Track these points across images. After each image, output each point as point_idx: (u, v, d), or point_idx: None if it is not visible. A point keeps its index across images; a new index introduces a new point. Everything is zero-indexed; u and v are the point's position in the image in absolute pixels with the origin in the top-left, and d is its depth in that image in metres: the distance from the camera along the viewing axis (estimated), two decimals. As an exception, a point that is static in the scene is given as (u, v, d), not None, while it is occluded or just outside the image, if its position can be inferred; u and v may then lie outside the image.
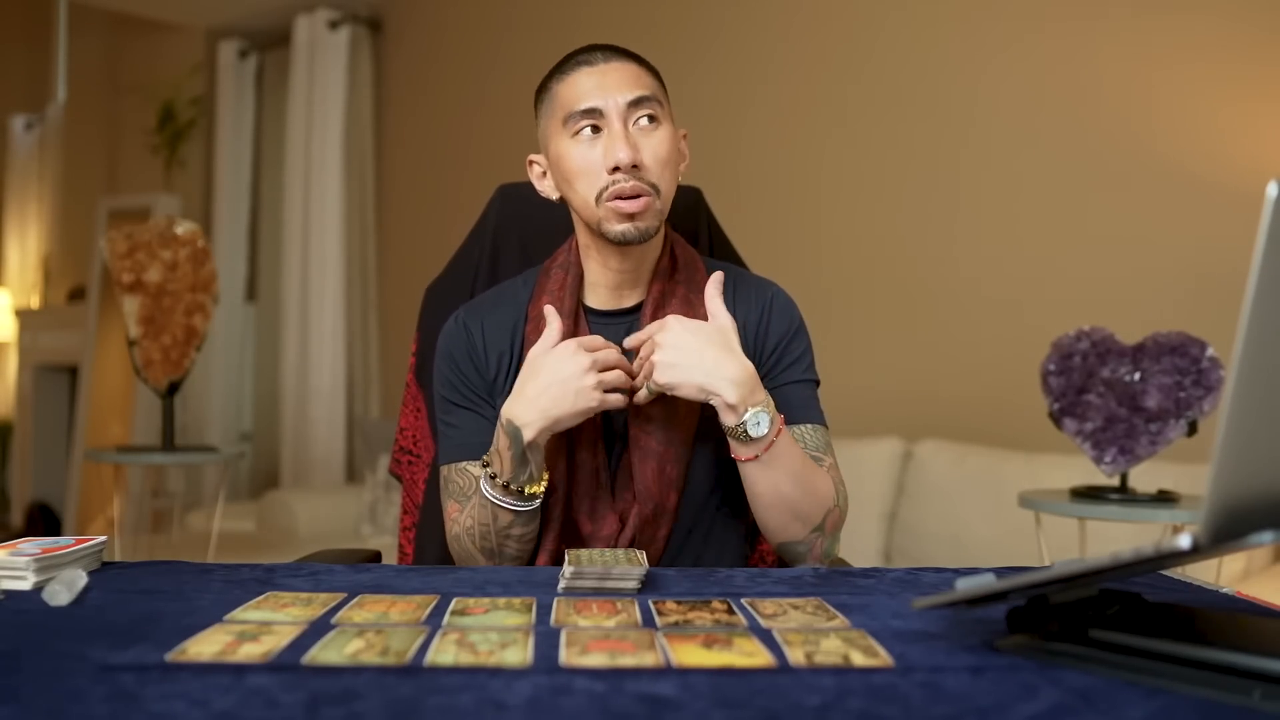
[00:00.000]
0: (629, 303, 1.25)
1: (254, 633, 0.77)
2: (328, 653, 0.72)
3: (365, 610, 0.84)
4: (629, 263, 1.21)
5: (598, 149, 1.15)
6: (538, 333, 1.22)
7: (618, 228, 1.16)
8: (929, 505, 2.78)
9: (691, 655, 0.72)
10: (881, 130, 3.19)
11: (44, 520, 5.63)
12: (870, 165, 3.22)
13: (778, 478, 1.14)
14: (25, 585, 0.92)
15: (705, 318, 1.18)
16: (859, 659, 0.71)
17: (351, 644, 0.73)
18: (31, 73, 6.48)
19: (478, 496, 1.17)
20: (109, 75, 5.97)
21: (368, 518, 3.85)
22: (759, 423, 1.10)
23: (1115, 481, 2.09)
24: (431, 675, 0.67)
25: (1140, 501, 1.99)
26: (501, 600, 0.88)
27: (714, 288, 1.16)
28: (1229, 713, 0.61)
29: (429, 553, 1.45)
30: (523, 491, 1.14)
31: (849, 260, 3.25)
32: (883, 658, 0.72)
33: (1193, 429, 1.97)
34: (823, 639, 0.76)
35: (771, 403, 1.13)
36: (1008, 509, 2.34)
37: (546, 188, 1.24)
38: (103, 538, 1.04)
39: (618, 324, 1.24)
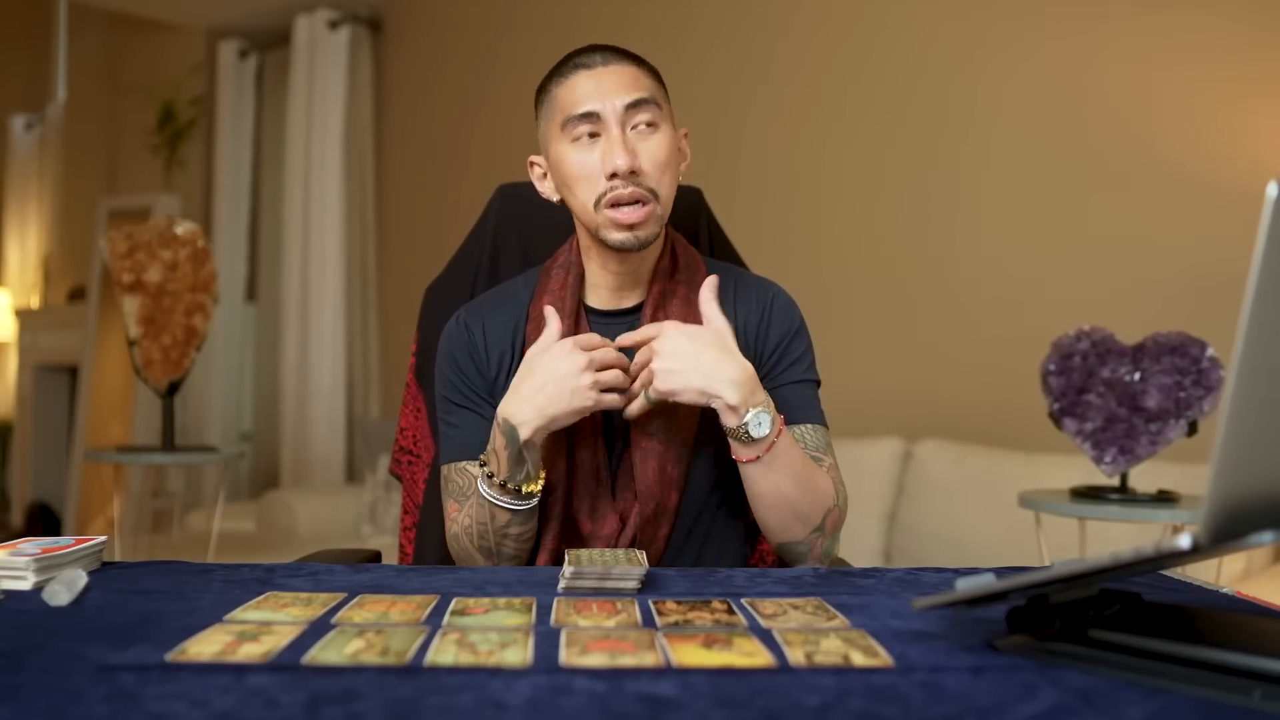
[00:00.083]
0: (629, 303, 1.25)
1: (254, 633, 0.77)
2: (328, 653, 0.72)
3: (365, 610, 0.84)
4: (629, 265, 1.22)
5: (595, 154, 1.15)
6: (538, 332, 1.22)
7: (616, 236, 1.16)
8: (929, 505, 2.78)
9: (691, 655, 0.72)
10: (881, 130, 3.19)
11: (44, 520, 5.63)
12: (870, 165, 3.22)
13: (779, 478, 1.13)
14: (25, 585, 0.92)
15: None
16: (859, 659, 0.71)
17: (351, 644, 0.73)
18: (31, 73, 6.48)
19: (475, 496, 1.17)
20: (109, 75, 5.97)
21: (368, 518, 3.85)
22: (760, 423, 1.10)
23: (1115, 481, 2.09)
24: (431, 675, 0.67)
25: (1140, 501, 1.99)
26: (501, 600, 0.88)
27: (708, 291, 1.16)
28: (1229, 713, 0.61)
29: (429, 553, 1.45)
30: (519, 490, 1.14)
31: (849, 260, 3.25)
32: (883, 658, 0.72)
33: (1193, 429, 1.97)
34: (823, 639, 0.76)
35: (772, 403, 1.13)
36: (1008, 509, 2.34)
37: (547, 189, 1.24)
38: (103, 538, 1.04)
39: (618, 324, 1.24)
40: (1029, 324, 2.75)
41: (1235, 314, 0.61)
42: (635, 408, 1.15)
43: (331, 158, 4.68)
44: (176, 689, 0.64)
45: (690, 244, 1.33)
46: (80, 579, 0.90)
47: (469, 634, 0.77)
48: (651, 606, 0.86)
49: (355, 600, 0.88)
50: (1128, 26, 2.74)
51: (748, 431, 1.10)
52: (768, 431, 1.11)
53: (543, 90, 1.21)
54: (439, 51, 4.59)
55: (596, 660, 0.70)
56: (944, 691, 0.65)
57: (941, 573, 1.04)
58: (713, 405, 1.11)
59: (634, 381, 1.15)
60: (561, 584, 0.93)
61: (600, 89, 1.15)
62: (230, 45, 5.16)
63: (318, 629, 0.78)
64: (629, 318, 1.24)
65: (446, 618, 0.82)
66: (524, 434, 1.11)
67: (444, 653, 0.72)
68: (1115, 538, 2.29)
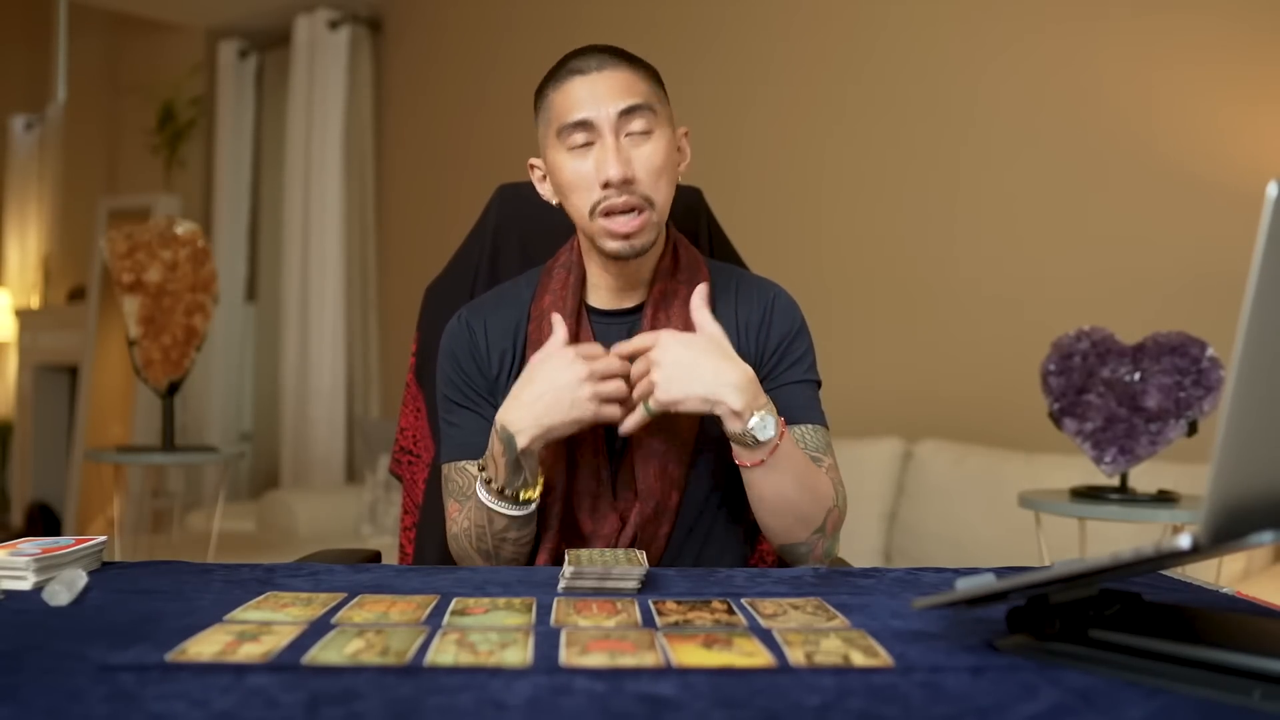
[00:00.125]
0: (631, 303, 1.25)
1: (254, 633, 0.77)
2: (328, 653, 0.72)
3: (365, 610, 0.84)
4: (629, 269, 1.22)
5: (590, 162, 1.15)
6: (540, 332, 1.22)
7: (612, 245, 1.16)
8: (929, 505, 2.78)
9: (691, 655, 0.72)
10: (881, 130, 3.19)
11: (44, 520, 5.63)
12: (870, 165, 3.22)
13: (782, 481, 1.13)
14: (25, 585, 0.92)
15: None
16: (859, 659, 0.71)
17: (351, 644, 0.73)
18: (31, 73, 6.48)
19: (474, 499, 1.17)
20: (109, 75, 5.97)
21: (368, 518, 3.85)
22: (765, 426, 1.09)
23: (1115, 481, 2.09)
24: (431, 675, 0.67)
25: (1140, 501, 1.99)
26: (501, 600, 0.88)
27: (699, 299, 1.15)
28: (1229, 713, 0.61)
29: (429, 553, 1.45)
30: (517, 497, 1.14)
31: (849, 260, 3.25)
32: (883, 658, 0.72)
33: (1193, 429, 1.97)
34: (823, 639, 0.76)
35: (773, 405, 1.13)
36: (1008, 509, 2.34)
37: (547, 191, 1.24)
38: (103, 538, 1.04)
39: (620, 324, 1.24)
40: (1029, 324, 2.75)
41: (1235, 314, 0.61)
42: (632, 423, 1.13)
43: (331, 158, 4.68)
44: (176, 689, 0.64)
45: (691, 244, 1.33)
46: (80, 579, 0.90)
47: (469, 634, 0.77)
48: (651, 606, 0.86)
49: (355, 600, 0.88)
50: (1128, 26, 2.74)
51: (754, 436, 1.09)
52: (772, 434, 1.10)
53: (540, 94, 1.21)
54: (439, 51, 4.59)
55: (596, 660, 0.70)
56: (944, 691, 0.65)
57: (941, 573, 1.04)
58: (716, 412, 1.10)
59: (634, 395, 1.14)
60: (561, 584, 0.93)
61: (594, 96, 1.14)
62: (230, 45, 5.16)
63: (318, 629, 0.78)
64: (630, 318, 1.24)
65: (446, 618, 0.82)
66: (521, 442, 1.11)
67: (444, 653, 0.72)
68: (1115, 538, 2.29)
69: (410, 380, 1.54)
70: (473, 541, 1.18)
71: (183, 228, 2.89)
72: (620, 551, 1.00)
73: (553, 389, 1.11)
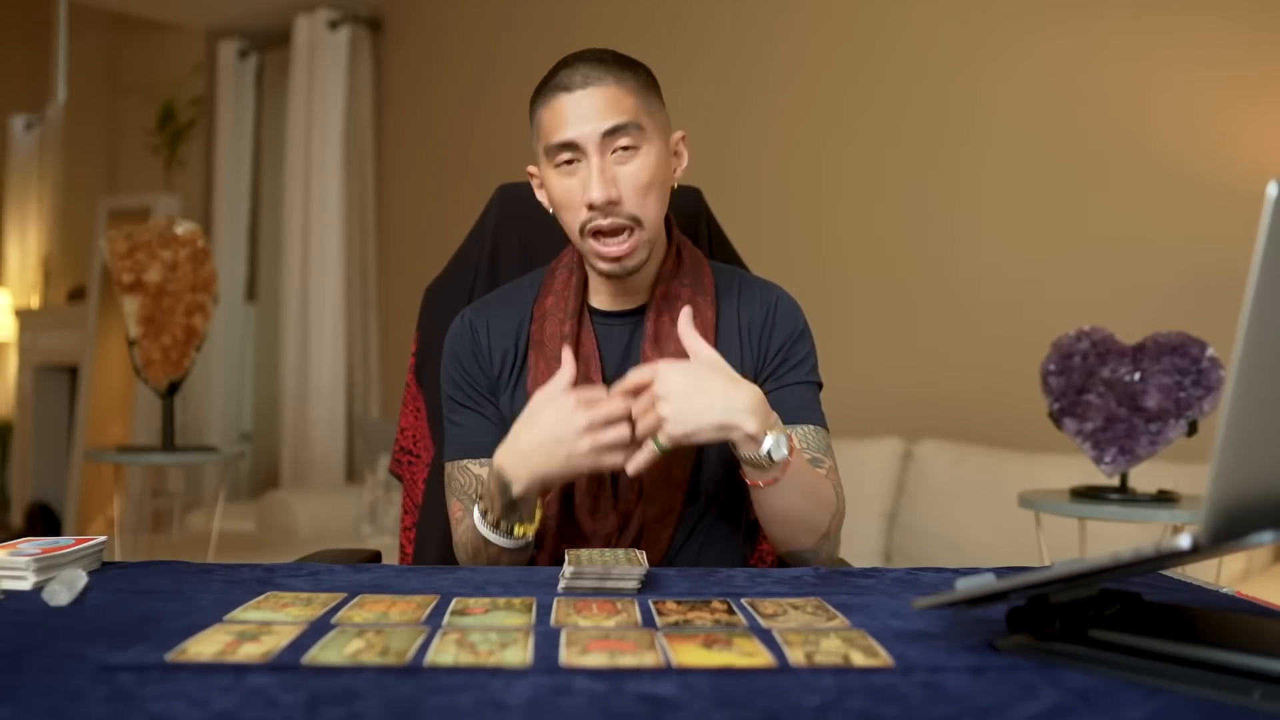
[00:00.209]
0: (633, 304, 1.25)
1: (254, 633, 0.77)
2: (328, 653, 0.72)
3: (365, 610, 0.84)
4: (628, 278, 1.21)
5: (577, 180, 1.14)
6: (542, 331, 1.22)
7: (602, 266, 1.17)
8: (929, 505, 2.78)
9: (691, 655, 0.72)
10: (881, 130, 3.19)
11: (44, 520, 5.63)
12: (870, 165, 3.22)
13: (792, 497, 1.12)
14: (25, 585, 0.92)
15: (710, 320, 1.18)
16: (859, 659, 0.71)
17: (351, 644, 0.73)
18: (31, 73, 6.48)
19: (471, 521, 1.16)
20: (109, 75, 5.97)
21: (368, 518, 3.85)
22: (779, 446, 1.06)
23: (1115, 481, 2.09)
24: (431, 675, 0.67)
25: (1140, 501, 1.99)
26: (501, 600, 0.88)
27: (685, 323, 1.11)
28: (1229, 713, 0.61)
29: (429, 553, 1.45)
30: (512, 531, 1.12)
31: (849, 260, 3.25)
32: (883, 658, 0.72)
33: (1193, 429, 1.97)
34: (823, 639, 0.76)
35: (781, 423, 1.10)
36: (1008, 509, 2.34)
37: (544, 200, 1.23)
38: (103, 538, 1.04)
39: (622, 325, 1.24)
40: (1029, 324, 2.75)
41: (1235, 314, 0.61)
42: (639, 462, 1.07)
43: (331, 158, 4.68)
44: (176, 689, 0.64)
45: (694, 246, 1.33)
46: (80, 579, 0.90)
47: (469, 634, 0.77)
48: (651, 606, 0.86)
49: (355, 600, 0.88)
50: (1128, 26, 2.74)
51: (771, 457, 1.06)
52: (785, 453, 1.07)
53: (531, 106, 1.20)
54: (439, 51, 4.59)
55: (596, 660, 0.70)
56: (944, 691, 0.65)
57: (941, 573, 1.04)
58: (731, 438, 1.06)
59: (637, 432, 1.08)
60: (561, 584, 0.93)
61: (579, 115, 1.13)
62: (230, 45, 5.16)
63: (318, 629, 0.78)
64: (633, 319, 1.24)
65: (446, 618, 0.82)
66: (516, 490, 1.09)
67: (444, 653, 0.72)
68: (1115, 538, 2.29)
69: (410, 380, 1.55)
70: (469, 557, 1.19)
71: (183, 228, 2.89)
72: (620, 551, 1.00)
73: (552, 440, 1.07)
